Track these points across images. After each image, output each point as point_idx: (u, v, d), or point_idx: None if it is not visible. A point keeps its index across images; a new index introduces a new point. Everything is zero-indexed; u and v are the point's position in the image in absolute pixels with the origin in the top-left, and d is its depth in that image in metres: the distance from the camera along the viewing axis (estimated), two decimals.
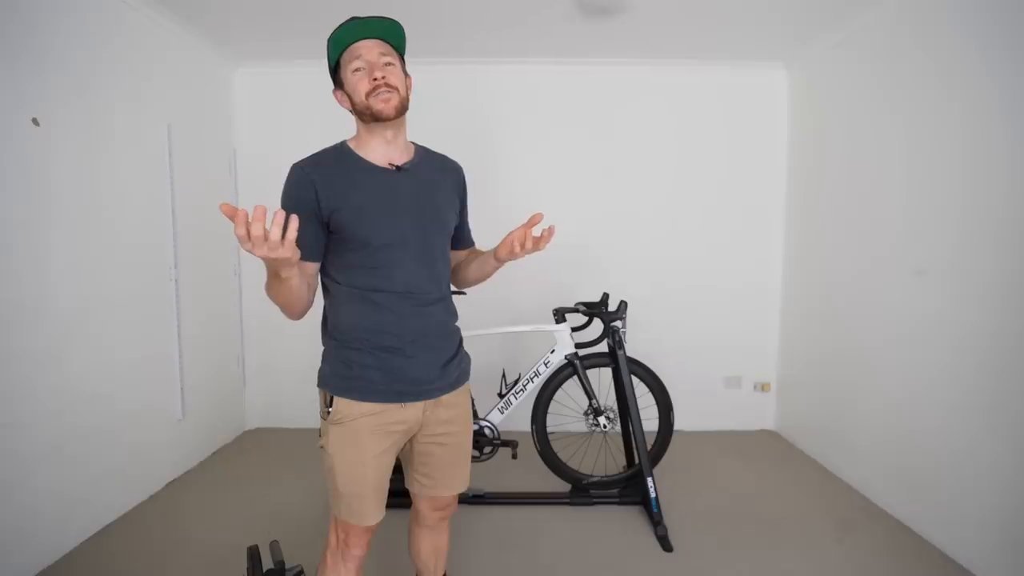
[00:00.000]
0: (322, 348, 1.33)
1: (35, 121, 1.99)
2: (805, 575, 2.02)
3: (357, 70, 1.21)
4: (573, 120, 3.44)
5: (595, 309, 2.54)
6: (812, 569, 2.05)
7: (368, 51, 1.21)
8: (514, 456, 2.45)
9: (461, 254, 1.48)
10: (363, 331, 1.25)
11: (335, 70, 1.27)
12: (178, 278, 2.77)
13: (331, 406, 1.26)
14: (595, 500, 2.52)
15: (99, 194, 2.31)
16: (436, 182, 1.34)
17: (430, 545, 1.54)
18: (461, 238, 1.47)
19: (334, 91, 1.28)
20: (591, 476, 2.56)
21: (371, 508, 1.29)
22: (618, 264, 3.46)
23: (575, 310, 2.58)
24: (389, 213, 1.24)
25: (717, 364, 3.55)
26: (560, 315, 2.55)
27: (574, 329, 2.53)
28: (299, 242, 1.04)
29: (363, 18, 1.21)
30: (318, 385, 1.31)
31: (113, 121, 2.39)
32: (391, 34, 1.24)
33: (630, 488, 2.52)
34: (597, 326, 2.54)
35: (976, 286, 2.03)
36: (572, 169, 3.46)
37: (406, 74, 1.27)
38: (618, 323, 2.45)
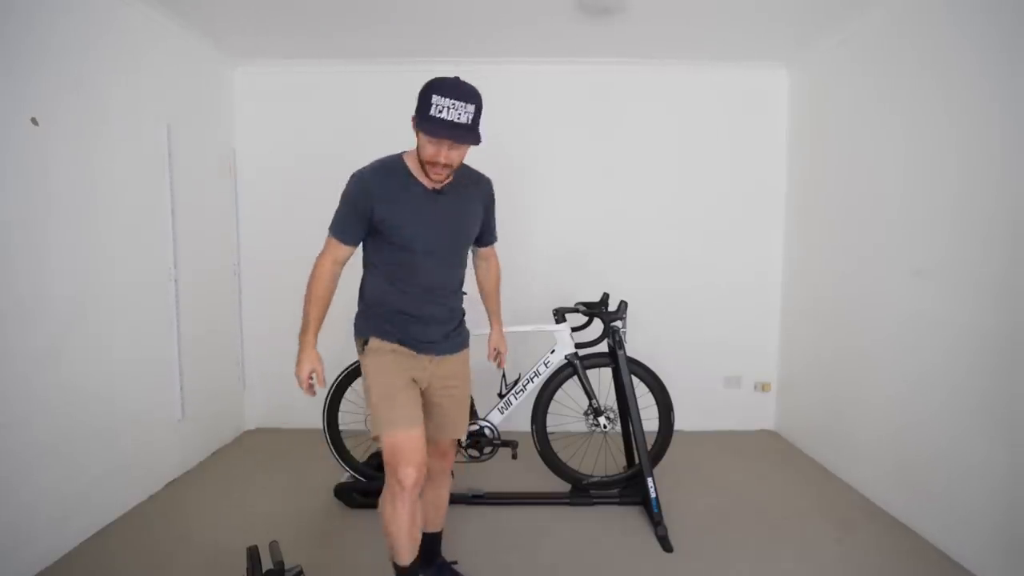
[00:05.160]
0: (355, 311, 1.68)
1: (34, 120, 1.99)
2: (805, 575, 2.03)
3: (431, 141, 1.42)
4: (573, 120, 3.44)
5: (595, 309, 2.54)
6: (812, 569, 2.06)
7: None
8: (514, 456, 2.45)
9: (481, 251, 1.83)
10: (389, 307, 1.59)
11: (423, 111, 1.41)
12: (178, 278, 2.77)
13: (367, 343, 1.60)
14: (595, 500, 2.52)
15: (98, 194, 2.30)
16: (468, 199, 1.63)
17: (431, 497, 1.78)
18: (482, 238, 1.78)
19: (413, 116, 1.44)
20: (591, 476, 2.56)
21: (401, 412, 1.52)
22: (618, 264, 3.46)
23: (575, 310, 2.57)
24: (425, 228, 1.54)
25: (717, 364, 3.55)
26: (560, 315, 2.55)
27: (574, 329, 2.53)
28: (347, 229, 1.55)
29: (461, 104, 1.38)
30: (355, 334, 1.65)
31: (112, 120, 2.39)
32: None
33: (630, 488, 2.52)
34: (597, 326, 2.54)
35: (974, 286, 2.04)
36: (572, 169, 3.46)
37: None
38: (618, 323, 2.45)
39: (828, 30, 2.85)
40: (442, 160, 1.43)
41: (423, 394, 1.65)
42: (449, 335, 1.66)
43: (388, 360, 1.58)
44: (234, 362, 3.42)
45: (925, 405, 2.26)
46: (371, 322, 1.62)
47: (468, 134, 1.41)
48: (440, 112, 1.36)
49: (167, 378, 2.75)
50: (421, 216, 1.53)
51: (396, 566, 1.61)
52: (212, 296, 3.17)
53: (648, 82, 3.42)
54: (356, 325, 1.66)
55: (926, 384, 2.26)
